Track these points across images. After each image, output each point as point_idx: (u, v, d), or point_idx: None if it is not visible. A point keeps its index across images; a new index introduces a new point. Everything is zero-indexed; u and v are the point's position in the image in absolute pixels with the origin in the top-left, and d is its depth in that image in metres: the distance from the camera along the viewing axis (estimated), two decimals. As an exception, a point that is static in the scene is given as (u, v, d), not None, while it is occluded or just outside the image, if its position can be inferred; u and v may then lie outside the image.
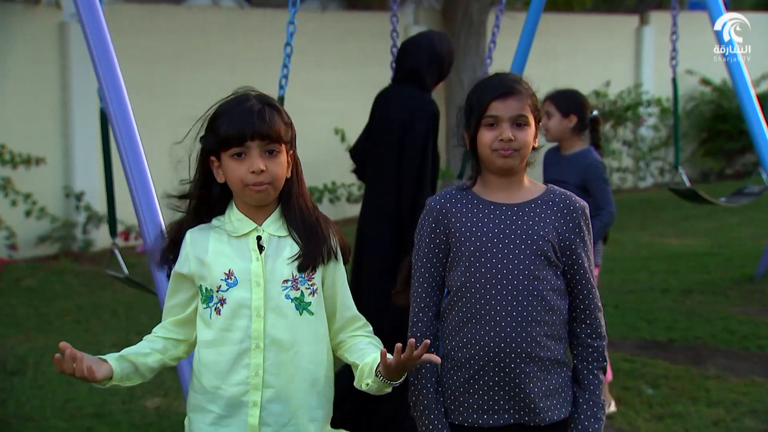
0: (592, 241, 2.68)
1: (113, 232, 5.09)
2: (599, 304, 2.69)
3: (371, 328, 2.64)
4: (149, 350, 2.56)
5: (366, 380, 2.48)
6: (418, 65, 4.58)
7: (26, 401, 5.13)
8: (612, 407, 4.87)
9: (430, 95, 4.63)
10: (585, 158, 4.78)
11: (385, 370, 2.40)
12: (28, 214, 8.43)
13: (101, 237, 9.04)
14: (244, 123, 2.42)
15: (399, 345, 2.35)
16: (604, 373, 2.71)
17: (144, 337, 2.61)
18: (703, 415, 4.84)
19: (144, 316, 6.84)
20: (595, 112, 4.98)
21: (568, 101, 4.84)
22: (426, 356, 2.41)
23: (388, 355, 2.39)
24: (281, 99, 4.72)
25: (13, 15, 8.64)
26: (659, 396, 5.13)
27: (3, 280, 7.80)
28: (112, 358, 2.47)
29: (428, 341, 2.40)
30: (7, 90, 8.59)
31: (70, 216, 8.93)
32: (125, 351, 2.52)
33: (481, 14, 11.14)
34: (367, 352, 2.54)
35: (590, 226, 2.68)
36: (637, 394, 5.14)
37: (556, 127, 4.83)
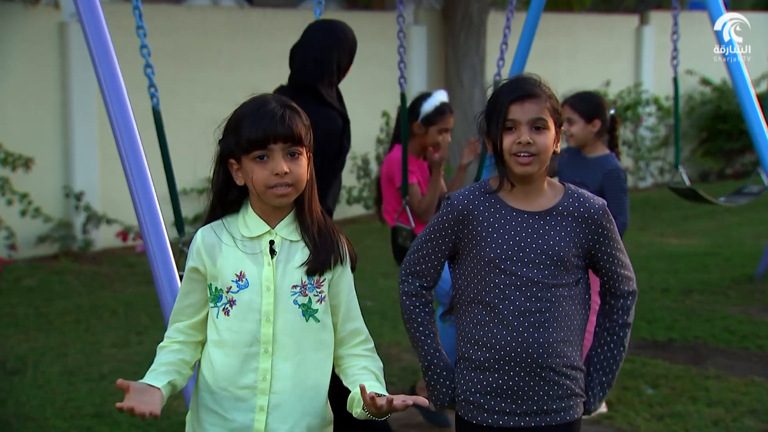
0: (616, 233, 2.71)
1: (181, 230, 4.76)
2: (627, 262, 2.74)
3: (372, 345, 2.60)
4: (181, 363, 2.51)
5: (355, 409, 2.48)
6: None
7: (26, 401, 5.13)
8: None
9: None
10: (607, 164, 4.69)
11: (368, 408, 2.37)
12: (23, 213, 8.41)
13: (101, 237, 9.04)
14: (267, 126, 2.42)
15: (372, 394, 2.32)
16: (628, 328, 2.79)
17: (167, 347, 2.53)
18: (703, 415, 4.84)
19: (144, 315, 6.83)
20: (612, 111, 4.86)
21: (590, 106, 4.71)
22: (409, 400, 2.34)
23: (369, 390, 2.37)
24: None
25: (12, 15, 8.63)
26: (659, 396, 5.13)
27: (3, 280, 7.79)
28: (161, 384, 2.42)
29: (407, 402, 2.33)
30: (6, 90, 8.58)
31: (69, 216, 8.92)
32: (165, 372, 2.46)
33: (481, 14, 11.13)
34: (359, 379, 2.51)
35: (612, 220, 2.70)
36: (637, 394, 5.14)
37: (580, 133, 4.71)
